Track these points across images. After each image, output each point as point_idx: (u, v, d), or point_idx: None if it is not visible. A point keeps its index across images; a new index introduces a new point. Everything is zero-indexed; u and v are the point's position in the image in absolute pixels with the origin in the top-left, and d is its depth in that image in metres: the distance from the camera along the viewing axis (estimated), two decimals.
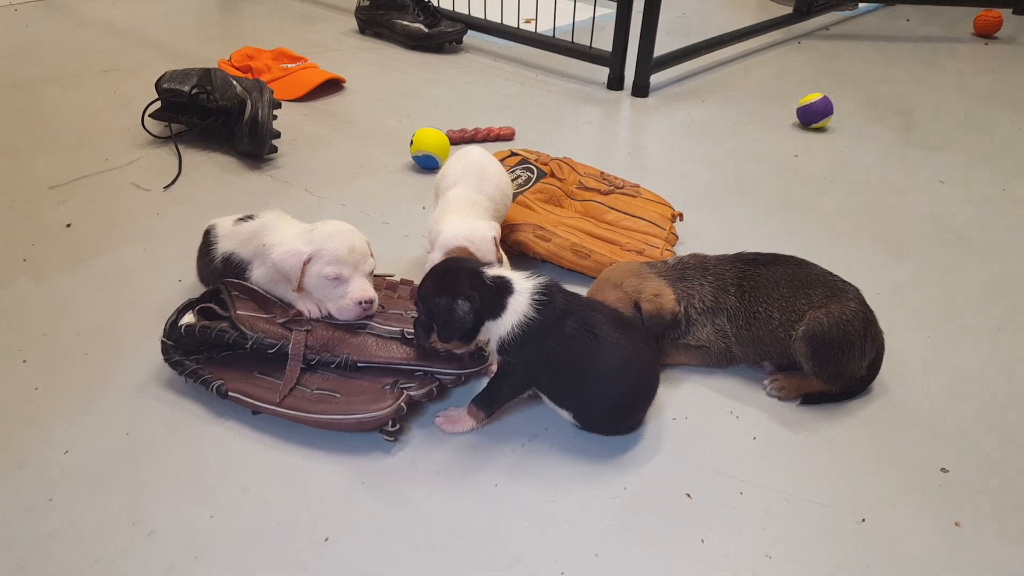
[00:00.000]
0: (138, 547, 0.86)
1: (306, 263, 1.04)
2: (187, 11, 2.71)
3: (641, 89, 2.19)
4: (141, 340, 1.14)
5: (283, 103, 1.89)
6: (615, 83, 2.23)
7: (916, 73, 2.46)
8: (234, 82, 1.74)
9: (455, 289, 0.94)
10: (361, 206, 1.55)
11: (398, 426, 0.98)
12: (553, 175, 1.51)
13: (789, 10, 2.83)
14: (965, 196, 1.71)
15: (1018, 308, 1.34)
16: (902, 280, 1.40)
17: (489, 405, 0.99)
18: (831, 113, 1.98)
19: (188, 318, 1.07)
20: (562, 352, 0.94)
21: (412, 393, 0.99)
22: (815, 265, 1.13)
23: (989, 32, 2.90)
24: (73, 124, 1.83)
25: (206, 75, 1.75)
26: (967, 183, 1.76)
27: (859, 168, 1.81)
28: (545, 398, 1.00)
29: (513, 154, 1.56)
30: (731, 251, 1.19)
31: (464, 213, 1.20)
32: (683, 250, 1.45)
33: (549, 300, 0.95)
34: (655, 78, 2.25)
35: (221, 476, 0.95)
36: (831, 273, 1.12)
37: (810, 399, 1.09)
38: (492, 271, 0.97)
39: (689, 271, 1.13)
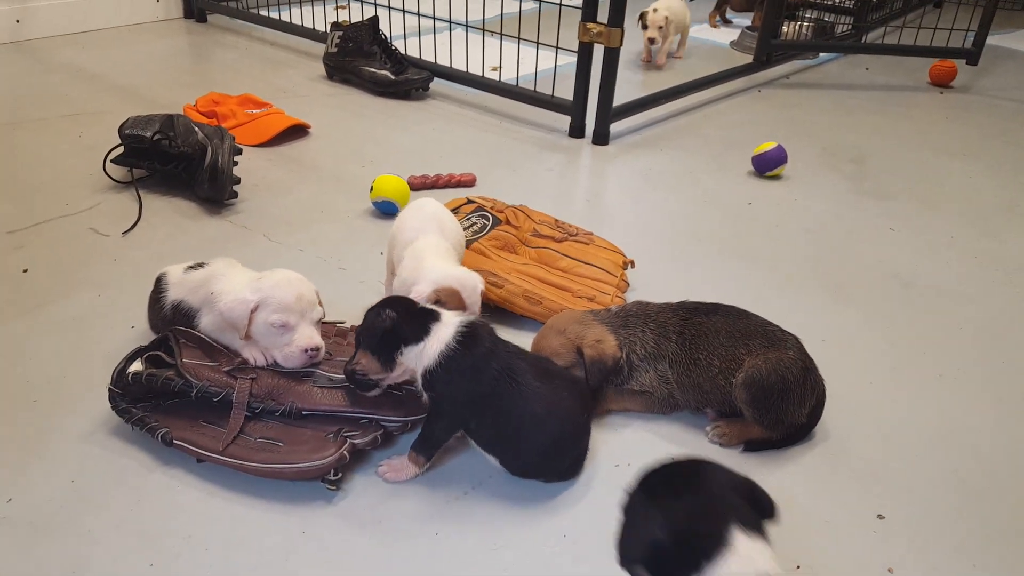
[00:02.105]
0: None
1: (253, 311, 1.05)
2: (157, 57, 2.74)
3: (601, 137, 2.24)
4: (90, 387, 1.14)
5: (246, 148, 1.91)
6: (576, 131, 2.28)
7: (871, 122, 2.54)
8: (196, 128, 1.76)
9: (384, 304, 0.99)
10: (319, 252, 1.56)
11: (340, 475, 0.98)
12: (508, 222, 1.54)
13: (750, 59, 2.92)
14: (914, 244, 1.75)
15: (959, 355, 1.37)
16: (848, 326, 1.44)
17: (426, 449, 1.00)
18: (785, 162, 2.04)
19: (136, 366, 1.08)
20: (486, 393, 0.96)
21: (356, 441, 1.00)
22: (756, 316, 1.16)
23: (944, 82, 3.01)
24: (35, 169, 1.84)
25: (168, 121, 1.77)
26: (917, 231, 1.81)
27: (811, 216, 1.86)
28: (473, 443, 1.01)
29: (470, 201, 1.59)
30: (684, 297, 1.21)
31: (444, 260, 1.22)
32: (635, 296, 1.47)
33: (474, 336, 0.97)
34: (616, 126, 2.30)
35: (163, 524, 0.95)
36: (771, 324, 1.15)
37: (752, 446, 1.11)
38: (417, 304, 1.02)
39: (631, 318, 1.16)
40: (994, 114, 2.70)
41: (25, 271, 1.44)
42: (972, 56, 2.92)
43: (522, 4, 2.57)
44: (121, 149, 1.78)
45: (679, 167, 2.10)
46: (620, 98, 2.23)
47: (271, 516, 0.96)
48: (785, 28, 3.41)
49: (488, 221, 1.53)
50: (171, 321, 1.14)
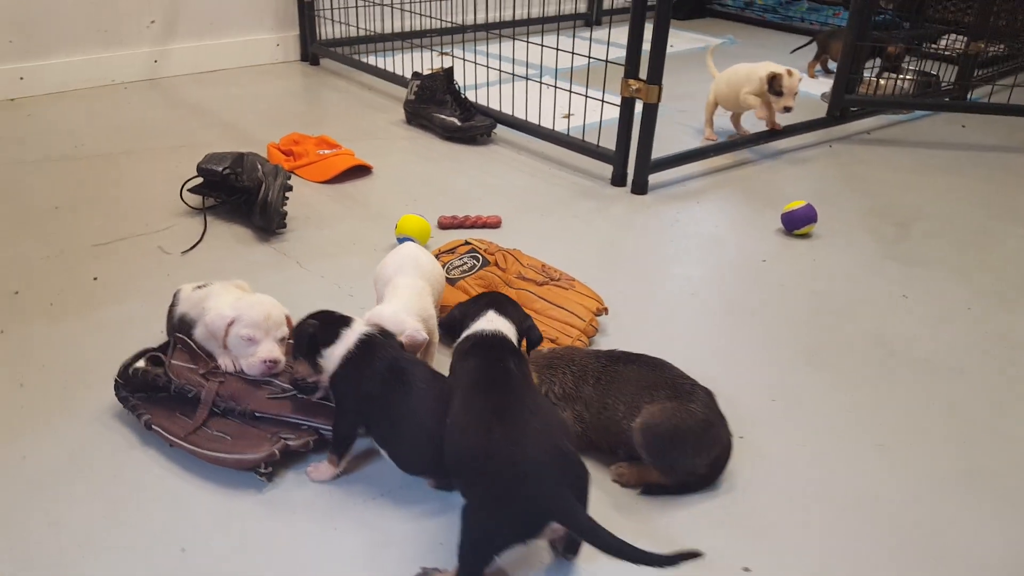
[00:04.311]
0: (41, 533, 1.08)
1: (229, 325, 1.26)
2: (267, 96, 3.09)
3: (640, 187, 2.33)
4: (110, 379, 1.38)
5: (311, 184, 2.21)
6: (618, 180, 2.38)
7: (943, 183, 2.47)
8: (259, 165, 2.03)
9: (310, 315, 1.20)
10: (337, 280, 1.76)
11: (271, 469, 1.16)
12: (496, 264, 1.68)
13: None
14: (923, 313, 1.73)
15: (910, 428, 1.37)
16: (808, 389, 1.46)
17: (337, 448, 1.17)
18: (814, 220, 2.05)
19: (141, 363, 1.31)
20: (376, 394, 1.12)
21: (290, 443, 1.17)
22: (674, 369, 1.24)
23: None
24: (132, 192, 2.17)
25: (239, 158, 2.05)
26: (932, 300, 1.78)
27: (824, 277, 1.87)
28: (372, 440, 1.16)
29: (467, 243, 1.75)
30: (655, 346, 1.31)
31: (413, 299, 1.37)
32: (609, 340, 1.58)
33: (372, 343, 1.14)
34: (664, 176, 2.40)
35: (127, 494, 1.16)
36: (686, 378, 1.22)
37: (650, 489, 1.18)
38: (346, 315, 1.19)
39: (556, 360, 1.27)
40: None
41: (95, 279, 1.73)
42: None
43: (572, 59, 2.71)
44: (199, 180, 2.07)
45: (708, 220, 2.16)
46: (676, 148, 2.36)
47: (211, 496, 1.15)
48: (883, 81, 3.35)
49: (478, 262, 1.68)
50: (178, 329, 1.37)
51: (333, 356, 1.15)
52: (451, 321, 1.22)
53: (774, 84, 2.50)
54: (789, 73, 2.50)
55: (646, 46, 2.17)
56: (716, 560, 1.09)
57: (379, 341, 1.17)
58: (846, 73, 2.77)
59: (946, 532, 1.16)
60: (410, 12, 3.51)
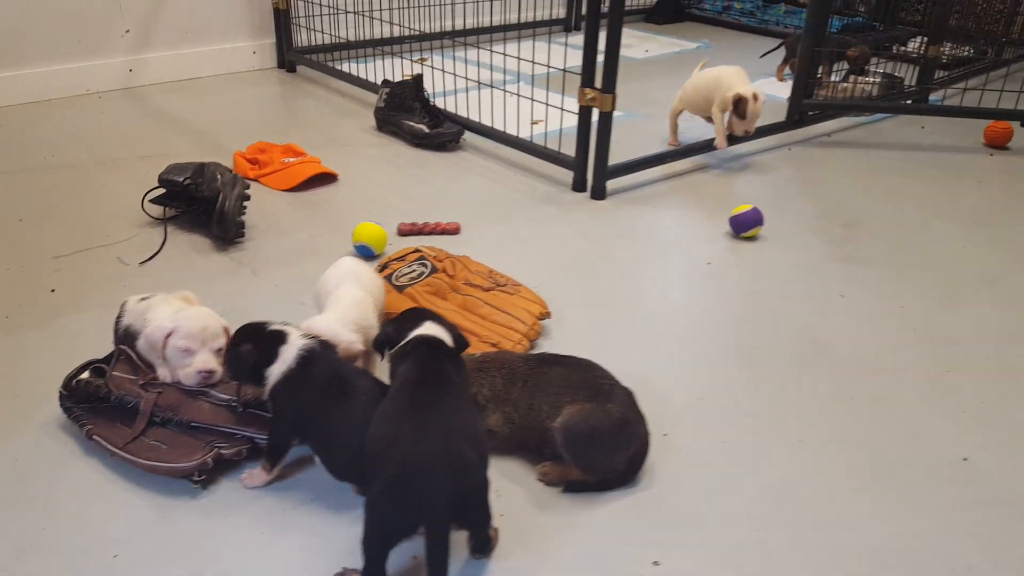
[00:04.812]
0: None
1: (167, 336, 1.30)
2: (241, 104, 3.13)
3: (599, 192, 2.38)
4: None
5: (274, 192, 2.26)
6: (579, 186, 2.43)
7: (894, 184, 2.53)
8: (218, 175, 2.07)
9: (239, 338, 1.22)
10: (291, 288, 1.81)
11: (204, 476, 1.20)
12: (445, 271, 1.73)
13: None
14: (856, 312, 1.78)
15: (831, 424, 1.42)
16: (736, 387, 1.51)
17: (271, 457, 1.21)
18: (760, 223, 2.10)
19: (86, 375, 1.35)
20: (314, 405, 1.15)
21: (224, 452, 1.22)
22: (597, 369, 1.28)
23: (1000, 143, 2.91)
24: (96, 203, 2.21)
25: (200, 169, 2.09)
26: (868, 299, 1.84)
27: (766, 279, 1.92)
28: (310, 448, 1.20)
29: (416, 250, 1.79)
30: (593, 349, 1.36)
31: (343, 310, 1.41)
32: (551, 343, 1.62)
33: (311, 358, 1.17)
34: (625, 180, 2.45)
35: (66, 502, 1.20)
36: (608, 378, 1.27)
37: (571, 487, 1.23)
38: (276, 326, 1.21)
39: (487, 364, 1.31)
40: None
41: (53, 291, 1.77)
42: None
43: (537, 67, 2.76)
44: (161, 191, 2.12)
45: (661, 224, 2.20)
46: (639, 153, 2.43)
47: (147, 503, 1.20)
48: (847, 84, 3.40)
49: (427, 269, 1.72)
50: (123, 341, 1.41)
51: (273, 373, 1.18)
52: (383, 338, 1.25)
53: (739, 107, 2.50)
54: (755, 98, 2.48)
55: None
56: (628, 554, 1.13)
57: (318, 354, 1.20)
58: (804, 78, 2.82)
59: (853, 527, 1.20)
60: (380, 20, 3.55)
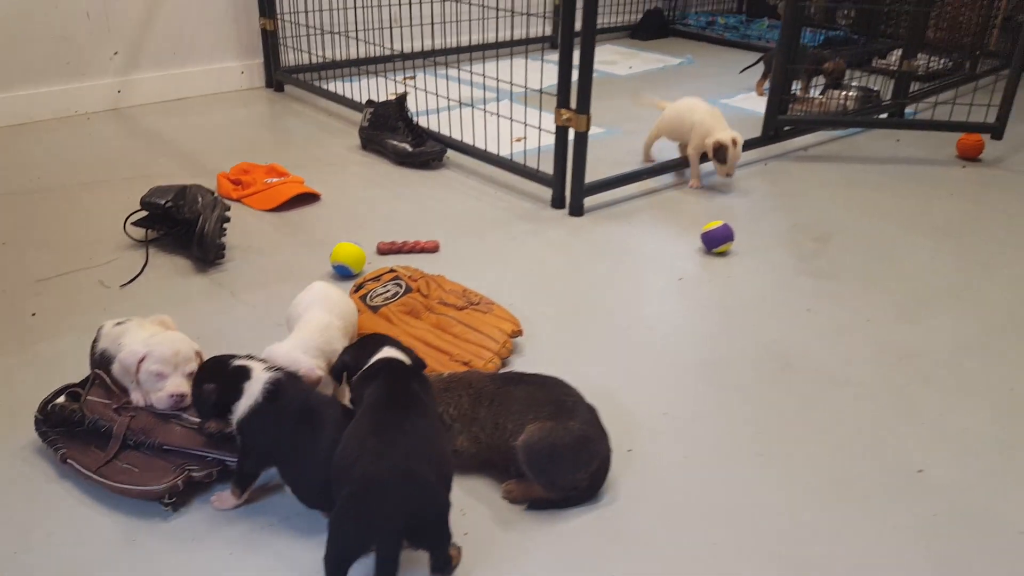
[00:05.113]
0: None
1: (141, 361, 1.33)
2: (229, 124, 3.17)
3: (576, 209, 2.42)
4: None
5: (257, 212, 2.29)
6: (557, 203, 2.47)
7: (866, 198, 2.57)
8: (199, 197, 2.11)
9: (202, 377, 1.24)
10: (267, 310, 1.84)
11: (175, 499, 1.23)
12: (419, 291, 1.76)
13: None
14: (823, 326, 1.82)
15: (791, 438, 1.45)
16: (699, 402, 1.54)
17: (239, 483, 1.23)
18: (731, 239, 2.14)
19: (62, 399, 1.38)
20: (284, 437, 1.18)
21: (194, 474, 1.25)
22: (562, 387, 1.32)
23: (972, 155, 2.96)
24: (80, 226, 2.25)
25: (182, 191, 2.13)
26: (836, 313, 1.87)
27: (735, 293, 1.96)
28: (279, 475, 1.23)
29: (392, 270, 1.83)
30: (565, 366, 1.41)
31: (306, 335, 1.44)
32: (521, 361, 1.66)
33: (277, 391, 1.20)
34: (603, 197, 2.49)
35: (39, 522, 1.23)
36: (571, 396, 1.30)
37: (535, 504, 1.26)
38: (240, 361, 1.24)
39: (454, 384, 1.34)
40: (1007, 190, 2.65)
41: (33, 315, 1.80)
42: (996, 131, 2.86)
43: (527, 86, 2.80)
44: (143, 213, 2.15)
45: (636, 240, 2.24)
46: (617, 170, 2.49)
47: (119, 525, 1.22)
48: (823, 98, 3.45)
49: (401, 289, 1.76)
50: (98, 365, 1.44)
51: (240, 408, 1.21)
52: (341, 366, 1.28)
53: (719, 153, 2.50)
54: (734, 143, 2.49)
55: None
56: (588, 570, 1.16)
57: (284, 386, 1.22)
58: (779, 94, 2.86)
59: (811, 540, 1.23)
60: (364, 42, 3.60)
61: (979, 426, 1.50)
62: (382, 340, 1.28)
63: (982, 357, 1.72)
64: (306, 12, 3.53)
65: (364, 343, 1.30)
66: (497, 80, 2.84)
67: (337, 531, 1.04)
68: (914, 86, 3.42)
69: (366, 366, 1.25)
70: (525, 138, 2.75)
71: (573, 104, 2.30)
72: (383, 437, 1.09)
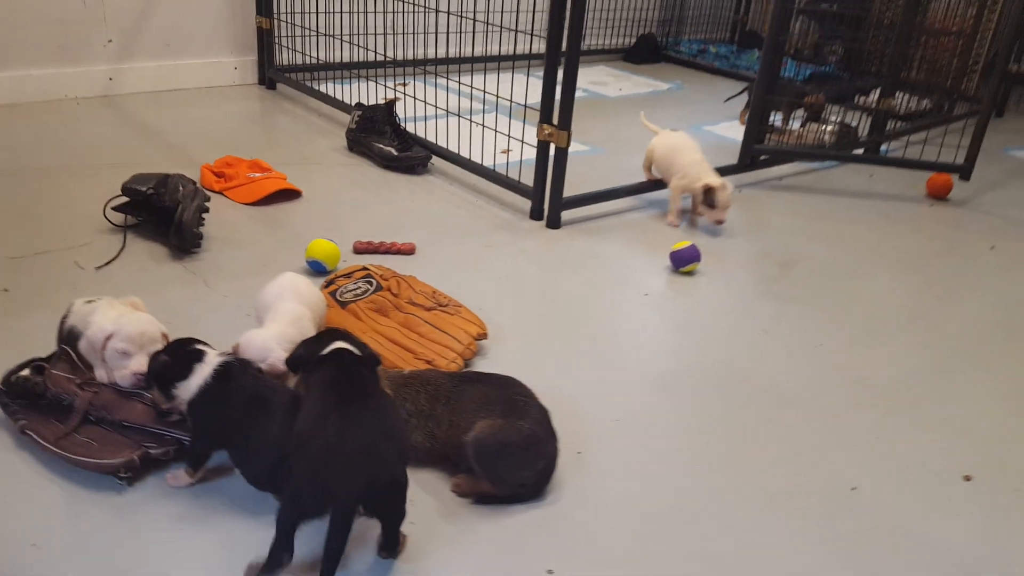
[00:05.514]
0: None
1: (107, 339, 1.37)
2: (219, 119, 3.20)
3: (554, 222, 2.48)
4: None
5: (237, 205, 2.33)
6: (536, 214, 2.52)
7: (834, 228, 2.64)
8: (180, 186, 2.14)
9: (162, 349, 1.29)
10: (239, 300, 1.87)
11: (130, 474, 1.27)
12: (389, 290, 1.81)
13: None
14: (776, 347, 1.87)
15: (731, 448, 1.51)
16: (650, 412, 1.59)
17: (191, 463, 1.27)
18: (698, 259, 2.20)
19: (26, 371, 1.41)
20: (233, 419, 1.22)
21: (151, 451, 1.28)
22: (518, 388, 1.36)
23: (940, 194, 3.04)
24: (59, 207, 2.27)
25: (163, 179, 2.16)
26: (789, 336, 1.93)
27: (695, 312, 2.01)
28: (229, 457, 1.26)
29: (364, 268, 1.87)
30: (524, 369, 1.45)
31: (282, 327, 1.48)
32: (484, 363, 1.70)
33: (227, 375, 1.24)
34: (581, 212, 2.56)
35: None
36: (524, 396, 1.34)
37: (482, 499, 1.30)
38: (200, 347, 1.28)
39: (413, 380, 1.38)
40: (969, 229, 2.73)
41: (6, 290, 1.83)
42: (965, 171, 2.95)
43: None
44: (124, 199, 2.18)
45: (608, 255, 2.30)
46: (595, 187, 2.56)
47: (72, 496, 1.25)
48: (802, 130, 3.53)
49: (371, 286, 1.80)
50: (66, 341, 1.47)
51: (188, 387, 1.24)
52: (297, 359, 1.31)
53: (708, 196, 2.47)
54: (723, 187, 2.45)
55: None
56: (524, 562, 1.21)
57: (235, 371, 1.26)
58: (756, 123, 2.94)
59: (740, 547, 1.28)
60: (363, 48, 3.65)
61: (917, 451, 1.56)
62: (337, 333, 1.33)
63: (924, 385, 1.78)
64: (303, 13, 3.58)
65: (319, 336, 1.34)
66: (484, 92, 2.89)
67: (296, 495, 1.09)
68: (893, 125, 3.51)
69: (319, 354, 1.29)
70: (510, 151, 2.80)
71: (555, 120, 2.36)
72: (345, 412, 1.14)
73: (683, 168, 2.55)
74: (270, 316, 1.51)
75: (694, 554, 1.26)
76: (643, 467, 1.44)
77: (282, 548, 1.09)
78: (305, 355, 1.29)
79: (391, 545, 1.16)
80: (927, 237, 2.64)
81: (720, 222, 2.51)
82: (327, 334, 1.33)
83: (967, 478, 1.50)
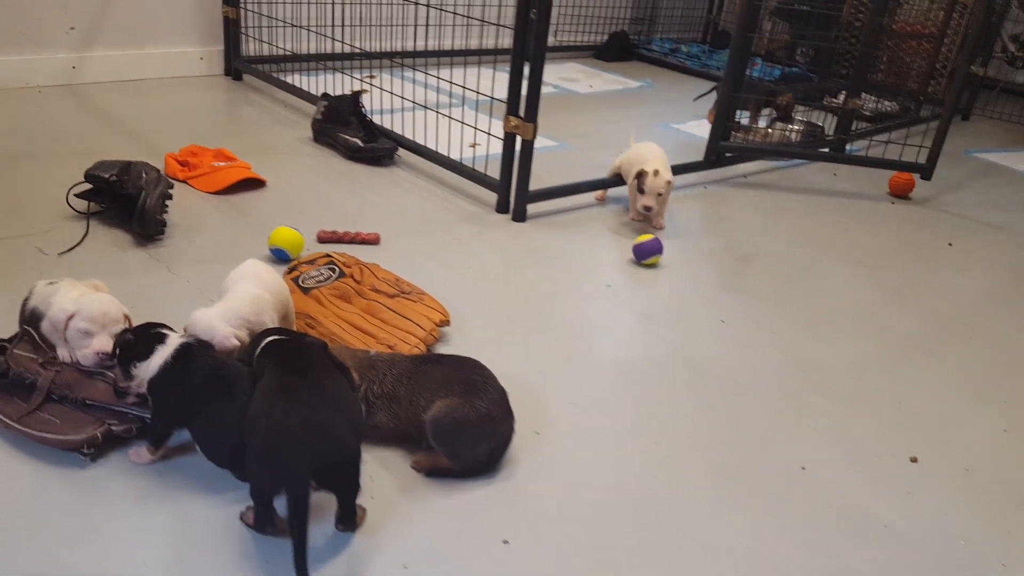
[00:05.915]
0: None
1: (69, 318, 1.37)
2: (184, 109, 3.19)
3: (519, 215, 2.51)
4: None
5: (201, 194, 2.33)
6: (502, 207, 2.55)
7: (794, 225, 2.71)
8: (144, 174, 2.14)
9: (126, 329, 1.32)
10: (200, 285, 1.88)
11: (93, 450, 1.28)
12: (352, 277, 1.83)
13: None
14: (733, 336, 1.93)
15: (687, 428, 1.56)
16: (606, 397, 1.64)
17: (153, 441, 1.28)
18: (660, 252, 2.25)
19: None
20: (192, 399, 1.24)
21: (114, 429, 1.29)
22: (475, 369, 1.39)
23: (902, 193, 3.13)
24: (21, 194, 2.26)
25: (126, 167, 2.16)
26: (746, 325, 1.98)
27: (656, 302, 2.06)
28: (191, 436, 1.28)
29: (327, 255, 1.89)
30: (485, 353, 1.47)
31: (230, 304, 1.49)
32: (447, 349, 1.73)
33: (187, 356, 1.26)
34: (548, 205, 2.59)
35: None
36: (485, 376, 1.38)
37: (436, 473, 1.34)
38: (164, 330, 1.30)
39: (379, 362, 1.41)
40: (928, 228, 2.82)
41: None
42: (926, 171, 3.04)
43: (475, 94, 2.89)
44: (87, 186, 2.17)
45: (572, 248, 2.33)
46: (566, 180, 2.58)
47: (34, 471, 1.26)
48: (770, 130, 3.61)
49: (334, 273, 1.82)
50: (28, 322, 1.47)
51: (149, 367, 1.26)
52: (243, 355, 1.33)
53: (640, 181, 2.42)
54: (655, 173, 2.40)
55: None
56: (480, 534, 1.24)
57: (196, 352, 1.28)
58: (722, 121, 3.00)
59: (691, 522, 1.33)
60: (331, 39, 3.65)
61: (863, 433, 1.62)
62: (270, 330, 1.36)
63: (876, 374, 1.85)
64: (271, 3, 3.58)
65: (253, 339, 1.36)
66: (451, 84, 2.91)
67: (251, 473, 1.15)
68: (858, 125, 3.60)
69: (260, 346, 1.30)
70: (477, 144, 2.83)
71: (521, 112, 2.39)
72: (291, 390, 1.17)
73: (634, 164, 2.55)
74: (227, 296, 1.53)
75: (645, 525, 1.30)
76: (597, 446, 1.48)
77: (264, 521, 1.15)
78: (245, 356, 1.31)
79: (348, 518, 1.19)
80: (887, 234, 2.72)
81: (648, 209, 2.42)
82: (260, 333, 1.35)
83: (914, 459, 1.56)
